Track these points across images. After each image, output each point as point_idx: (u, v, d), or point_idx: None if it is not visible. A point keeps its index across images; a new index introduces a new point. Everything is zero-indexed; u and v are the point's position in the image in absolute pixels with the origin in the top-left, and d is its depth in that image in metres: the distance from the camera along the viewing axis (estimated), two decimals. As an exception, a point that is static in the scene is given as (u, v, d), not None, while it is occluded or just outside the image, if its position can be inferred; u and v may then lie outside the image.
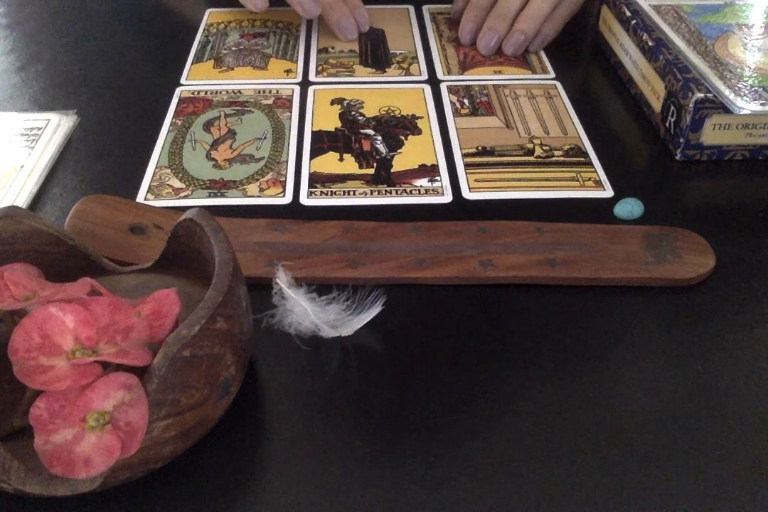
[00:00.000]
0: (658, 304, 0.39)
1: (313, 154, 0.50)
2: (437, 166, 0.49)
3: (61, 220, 0.42)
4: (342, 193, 0.47)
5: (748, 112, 0.45)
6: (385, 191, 0.47)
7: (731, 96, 0.46)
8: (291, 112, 0.55)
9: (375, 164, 0.50)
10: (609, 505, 0.30)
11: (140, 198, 0.46)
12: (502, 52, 0.62)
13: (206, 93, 0.57)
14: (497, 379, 0.35)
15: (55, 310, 0.27)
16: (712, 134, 0.48)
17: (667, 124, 0.51)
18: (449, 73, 0.60)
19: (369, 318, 0.36)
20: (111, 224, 0.42)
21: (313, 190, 0.47)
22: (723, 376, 0.35)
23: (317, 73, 0.60)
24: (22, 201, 0.45)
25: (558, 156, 0.50)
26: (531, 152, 0.50)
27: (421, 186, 0.47)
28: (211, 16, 0.69)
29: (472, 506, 0.30)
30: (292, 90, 0.58)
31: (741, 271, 0.41)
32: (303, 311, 0.36)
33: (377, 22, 0.68)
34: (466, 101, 0.56)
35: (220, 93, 0.57)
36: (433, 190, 0.47)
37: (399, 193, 0.47)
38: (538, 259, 0.40)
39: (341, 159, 0.50)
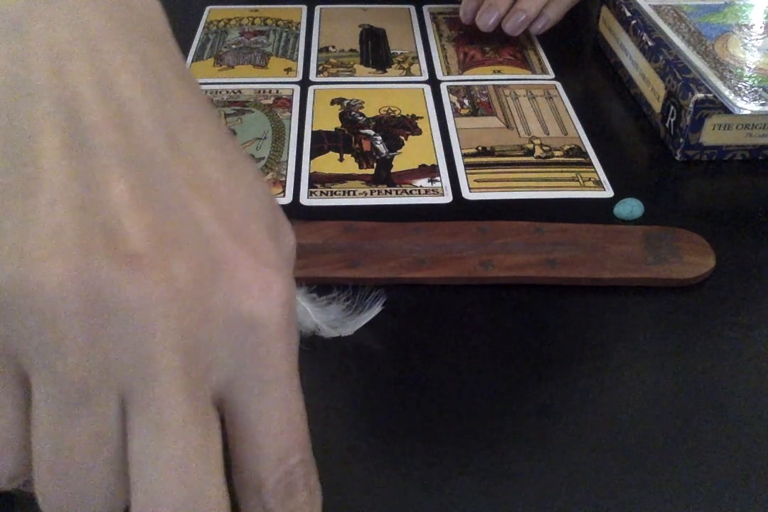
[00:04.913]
0: (658, 304, 0.39)
1: (313, 154, 0.50)
2: (437, 166, 0.49)
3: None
4: (342, 193, 0.47)
5: (748, 112, 0.45)
6: (385, 191, 0.47)
7: (731, 96, 0.46)
8: (291, 112, 0.55)
9: (375, 164, 0.50)
10: (608, 505, 0.30)
11: (140, 197, 0.46)
12: (502, 51, 0.63)
13: (206, 92, 0.57)
14: (497, 379, 0.35)
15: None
16: (712, 134, 0.48)
17: (667, 125, 0.51)
18: (449, 73, 0.60)
19: (369, 318, 0.36)
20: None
21: (313, 190, 0.47)
22: (723, 376, 0.35)
23: (318, 72, 0.60)
24: (22, 200, 0.45)
25: (558, 156, 0.50)
26: (531, 152, 0.50)
27: (421, 186, 0.47)
28: (211, 13, 0.69)
29: (472, 506, 0.30)
30: (292, 90, 0.58)
31: (741, 271, 0.41)
32: (303, 311, 0.36)
33: (378, 22, 0.68)
34: (466, 101, 0.56)
35: (220, 93, 0.57)
36: (433, 190, 0.47)
37: (399, 193, 0.47)
38: (538, 259, 0.40)
39: (341, 159, 0.50)
